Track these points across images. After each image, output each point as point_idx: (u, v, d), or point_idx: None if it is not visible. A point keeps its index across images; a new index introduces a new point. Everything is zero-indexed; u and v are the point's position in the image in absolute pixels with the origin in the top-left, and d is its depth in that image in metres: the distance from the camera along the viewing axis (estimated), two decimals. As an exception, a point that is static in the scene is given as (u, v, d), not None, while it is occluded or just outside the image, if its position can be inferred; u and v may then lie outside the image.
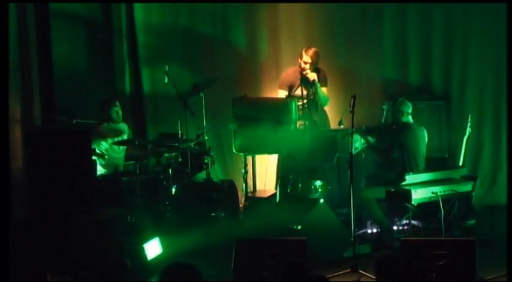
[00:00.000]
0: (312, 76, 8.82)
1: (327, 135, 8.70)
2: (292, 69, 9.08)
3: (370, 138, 8.29)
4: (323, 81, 8.95)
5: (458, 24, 9.34)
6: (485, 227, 8.20)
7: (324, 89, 8.95)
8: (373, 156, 8.66)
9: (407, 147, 8.12)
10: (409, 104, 8.21)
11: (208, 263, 7.03)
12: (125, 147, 8.78)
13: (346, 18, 9.54)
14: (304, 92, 8.83)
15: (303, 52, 8.87)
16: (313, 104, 8.93)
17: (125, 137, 8.85)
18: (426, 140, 8.30)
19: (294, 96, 8.84)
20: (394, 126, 8.19)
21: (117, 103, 8.79)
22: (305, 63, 8.84)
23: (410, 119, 8.22)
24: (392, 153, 8.15)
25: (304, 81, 8.88)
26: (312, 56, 8.84)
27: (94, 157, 8.27)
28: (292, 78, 8.99)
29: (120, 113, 8.76)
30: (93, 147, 8.29)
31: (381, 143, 8.32)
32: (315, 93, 8.87)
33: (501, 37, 8.79)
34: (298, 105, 8.72)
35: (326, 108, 9.12)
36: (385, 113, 8.53)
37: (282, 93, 9.00)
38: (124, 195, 8.13)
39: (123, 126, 8.88)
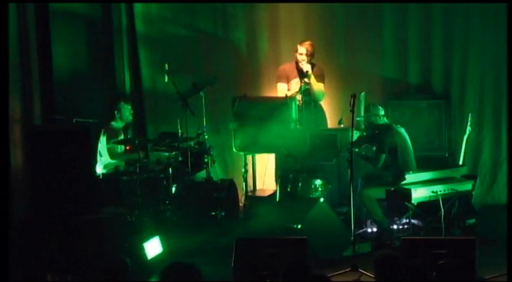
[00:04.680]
0: (306, 67, 8.82)
1: (327, 134, 8.71)
2: (287, 64, 9.10)
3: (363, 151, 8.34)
4: (319, 76, 8.94)
5: (458, 24, 9.34)
6: (485, 226, 8.19)
7: (320, 85, 8.94)
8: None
9: (397, 147, 8.13)
10: (379, 107, 8.29)
11: (208, 263, 7.05)
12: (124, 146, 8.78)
13: (346, 18, 9.55)
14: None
15: (298, 45, 8.91)
16: (309, 98, 8.92)
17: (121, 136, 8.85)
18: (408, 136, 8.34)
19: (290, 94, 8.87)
20: (377, 131, 8.22)
21: (129, 102, 8.83)
22: (300, 54, 8.86)
23: (386, 120, 8.27)
24: (383, 156, 8.15)
25: (301, 74, 8.88)
26: (307, 47, 8.87)
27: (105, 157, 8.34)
28: (288, 71, 9.00)
29: (132, 112, 8.79)
30: (108, 146, 8.35)
31: (372, 152, 8.35)
32: (309, 85, 8.84)
33: (501, 37, 8.79)
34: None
35: (325, 107, 9.12)
36: (362, 124, 8.51)
37: (282, 86, 9.00)
38: (124, 194, 8.13)
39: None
